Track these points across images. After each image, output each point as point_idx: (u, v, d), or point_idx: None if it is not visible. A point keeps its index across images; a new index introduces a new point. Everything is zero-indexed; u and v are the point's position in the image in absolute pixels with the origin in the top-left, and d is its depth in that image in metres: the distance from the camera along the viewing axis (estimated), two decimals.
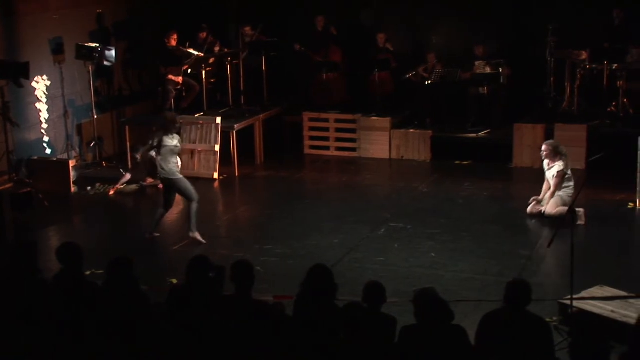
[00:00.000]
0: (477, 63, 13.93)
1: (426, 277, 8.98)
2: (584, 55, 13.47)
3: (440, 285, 8.24)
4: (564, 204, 10.49)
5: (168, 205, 10.46)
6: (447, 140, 13.94)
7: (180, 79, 14.15)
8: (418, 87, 14.42)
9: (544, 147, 10.89)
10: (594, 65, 13.37)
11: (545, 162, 10.88)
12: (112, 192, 12.55)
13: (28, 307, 6.20)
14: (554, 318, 7.68)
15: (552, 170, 10.77)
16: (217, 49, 14.66)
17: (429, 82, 14.13)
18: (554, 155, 10.75)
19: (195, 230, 10.24)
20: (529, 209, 10.85)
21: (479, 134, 13.77)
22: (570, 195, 10.63)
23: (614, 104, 13.35)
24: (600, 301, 7.73)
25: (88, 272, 8.07)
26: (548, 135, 13.07)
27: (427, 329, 5.71)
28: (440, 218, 10.99)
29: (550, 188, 10.76)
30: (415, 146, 14.03)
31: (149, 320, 6.14)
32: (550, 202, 10.68)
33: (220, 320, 5.91)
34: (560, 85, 13.89)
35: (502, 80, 13.83)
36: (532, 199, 10.91)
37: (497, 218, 10.98)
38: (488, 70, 13.85)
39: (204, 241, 10.17)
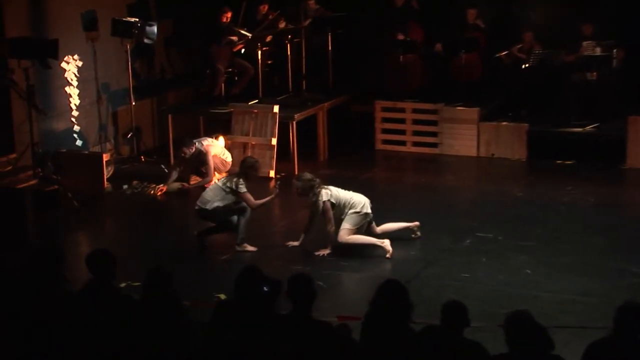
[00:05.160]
0: (584, 44, 13.75)
1: (518, 298, 8.92)
2: None
3: (535, 307, 8.15)
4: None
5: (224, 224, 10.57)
6: (546, 136, 13.85)
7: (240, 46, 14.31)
8: (512, 71, 14.30)
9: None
10: None
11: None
12: (160, 193, 12.64)
13: (50, 322, 6.28)
14: None
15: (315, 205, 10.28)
16: (282, 24, 14.64)
17: (526, 65, 14.01)
18: (309, 190, 10.24)
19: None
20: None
21: (585, 128, 13.64)
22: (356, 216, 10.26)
23: None
24: None
25: (123, 284, 8.19)
26: None
27: (521, 359, 5.65)
28: (536, 228, 10.92)
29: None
30: (508, 142, 13.96)
31: (190, 341, 6.19)
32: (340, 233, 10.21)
33: (274, 342, 5.93)
34: None
35: (614, 65, 13.65)
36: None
37: (605, 229, 10.85)
38: (598, 52, 13.67)
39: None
